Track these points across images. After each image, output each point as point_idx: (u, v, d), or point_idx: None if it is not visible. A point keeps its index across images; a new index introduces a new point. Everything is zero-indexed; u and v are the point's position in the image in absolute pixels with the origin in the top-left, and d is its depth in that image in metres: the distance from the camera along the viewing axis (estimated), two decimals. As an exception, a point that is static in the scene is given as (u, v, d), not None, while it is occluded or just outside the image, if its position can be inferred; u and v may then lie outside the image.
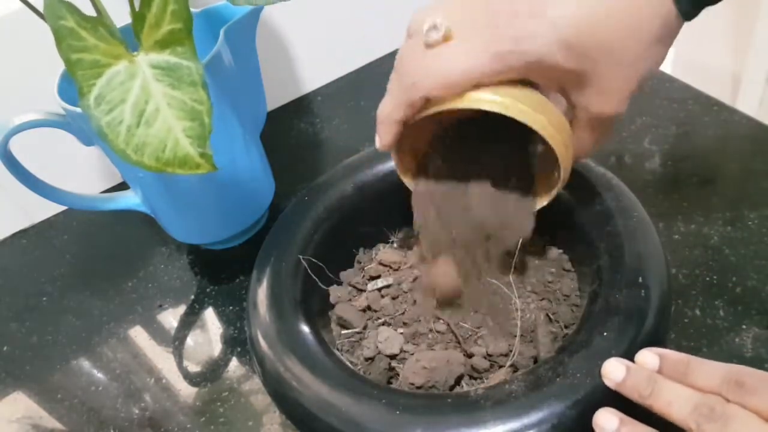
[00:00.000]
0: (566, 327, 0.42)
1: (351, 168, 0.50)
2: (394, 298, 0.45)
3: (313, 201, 0.49)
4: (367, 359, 0.43)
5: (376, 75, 0.76)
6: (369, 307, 0.45)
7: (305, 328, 0.41)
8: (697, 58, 1.25)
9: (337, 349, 0.44)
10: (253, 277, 0.45)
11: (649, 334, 0.36)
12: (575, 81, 0.33)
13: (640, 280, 0.38)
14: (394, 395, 0.37)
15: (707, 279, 0.47)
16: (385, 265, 0.48)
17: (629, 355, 0.35)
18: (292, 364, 0.39)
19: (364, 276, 0.48)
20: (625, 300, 0.37)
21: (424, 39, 0.34)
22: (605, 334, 0.36)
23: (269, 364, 0.40)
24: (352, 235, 0.50)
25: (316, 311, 0.45)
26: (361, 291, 0.47)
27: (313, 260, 0.46)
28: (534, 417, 0.33)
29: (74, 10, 0.35)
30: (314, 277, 0.45)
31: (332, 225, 0.48)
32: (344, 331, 0.45)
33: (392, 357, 0.42)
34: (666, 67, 0.67)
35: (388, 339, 0.43)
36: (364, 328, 0.45)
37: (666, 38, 0.33)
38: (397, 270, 0.47)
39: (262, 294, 0.43)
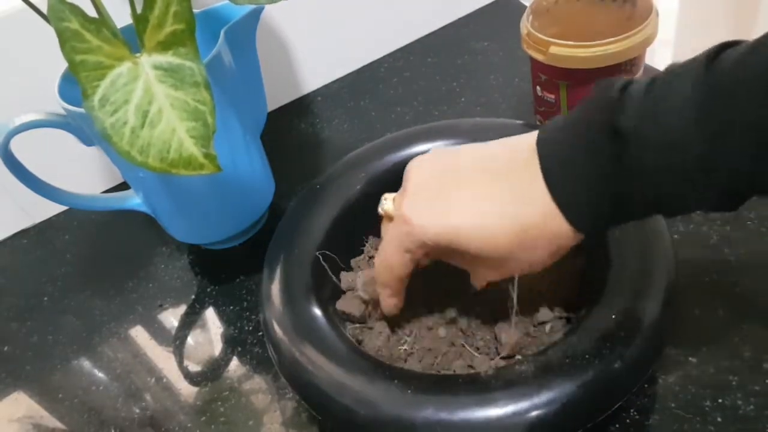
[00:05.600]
0: (572, 311, 0.42)
1: (361, 158, 0.51)
2: None
3: (324, 190, 0.49)
4: (378, 349, 0.43)
5: (376, 75, 0.76)
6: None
7: (318, 313, 0.42)
8: (696, 58, 1.25)
9: (349, 334, 0.44)
10: (265, 264, 0.46)
11: (656, 316, 0.37)
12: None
13: (647, 263, 0.39)
14: (406, 376, 0.38)
15: (707, 279, 0.47)
16: None
17: (638, 335, 0.36)
18: (307, 349, 0.39)
19: (370, 260, 0.49)
20: (633, 283, 0.38)
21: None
22: (613, 316, 0.37)
23: (284, 349, 0.40)
24: (363, 223, 0.50)
25: (328, 297, 0.45)
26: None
27: (327, 253, 0.46)
28: (544, 397, 0.34)
29: (78, 12, 0.35)
30: (324, 264, 0.46)
31: (343, 213, 0.49)
32: (351, 326, 0.45)
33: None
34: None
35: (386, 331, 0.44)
36: (369, 327, 0.45)
37: (558, 248, 0.35)
38: None
39: (275, 281, 0.44)
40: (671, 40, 1.27)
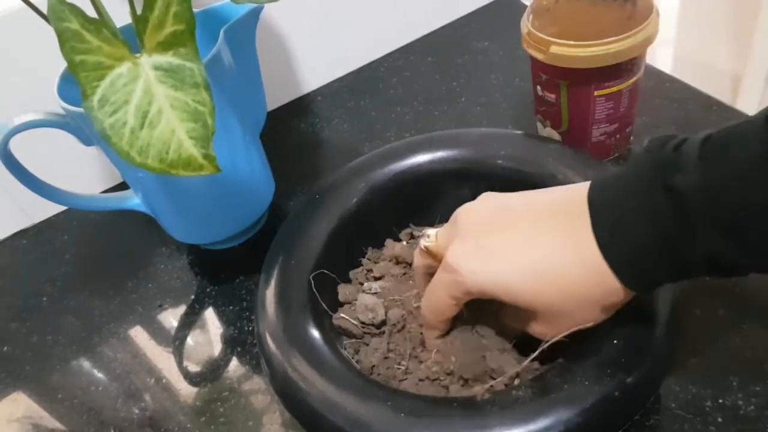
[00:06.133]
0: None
1: (360, 167, 0.50)
2: (389, 309, 0.45)
3: (324, 200, 0.49)
4: (373, 366, 0.43)
5: (376, 75, 0.76)
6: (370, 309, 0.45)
7: (313, 328, 0.41)
8: (697, 58, 1.25)
9: (344, 349, 0.44)
10: (261, 275, 0.45)
11: (659, 341, 0.36)
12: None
13: None
14: (400, 397, 0.37)
15: (707, 279, 0.47)
16: (399, 262, 0.48)
17: (639, 362, 0.35)
18: (299, 364, 0.39)
19: (368, 273, 0.48)
20: (635, 307, 0.37)
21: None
22: (615, 341, 0.36)
23: (277, 364, 0.40)
24: (362, 234, 0.50)
25: (325, 310, 0.45)
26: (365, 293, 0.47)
27: (324, 272, 0.45)
28: (540, 423, 0.33)
29: (78, 12, 0.35)
30: (315, 291, 0.45)
31: (342, 224, 0.48)
32: (347, 341, 0.45)
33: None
34: (666, 67, 0.67)
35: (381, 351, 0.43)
36: (366, 344, 0.45)
37: (610, 305, 0.35)
38: (404, 272, 0.47)
39: (270, 293, 0.43)
40: (672, 39, 1.28)
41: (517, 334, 0.40)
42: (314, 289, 0.44)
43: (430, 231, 0.41)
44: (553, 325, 0.36)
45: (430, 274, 0.41)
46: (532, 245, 0.35)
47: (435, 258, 0.40)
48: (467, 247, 0.37)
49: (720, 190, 0.29)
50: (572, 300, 0.34)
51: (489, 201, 0.39)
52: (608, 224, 0.33)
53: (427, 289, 0.40)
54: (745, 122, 0.30)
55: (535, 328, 0.37)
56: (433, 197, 0.51)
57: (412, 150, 0.51)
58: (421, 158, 0.50)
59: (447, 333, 0.42)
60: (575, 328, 0.36)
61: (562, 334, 0.36)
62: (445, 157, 0.50)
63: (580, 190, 0.35)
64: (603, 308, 0.35)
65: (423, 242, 0.41)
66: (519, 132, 0.51)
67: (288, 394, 0.39)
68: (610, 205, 0.33)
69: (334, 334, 0.44)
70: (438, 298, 0.39)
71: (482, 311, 0.41)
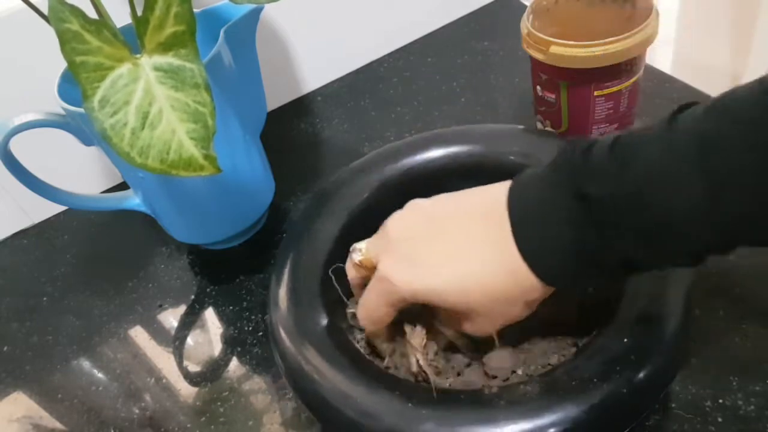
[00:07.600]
0: (582, 333, 0.41)
1: (370, 164, 0.51)
2: None
3: (333, 196, 0.49)
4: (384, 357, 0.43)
5: (376, 75, 0.76)
6: None
7: (325, 321, 0.42)
8: (697, 58, 1.25)
9: (357, 342, 0.44)
10: (274, 271, 0.45)
11: (670, 341, 0.36)
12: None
13: (663, 286, 0.38)
14: (408, 388, 0.37)
15: (707, 279, 0.47)
16: None
17: (648, 361, 0.35)
18: (312, 357, 0.39)
19: None
20: (647, 306, 0.37)
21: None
22: (625, 340, 0.36)
23: (290, 357, 0.40)
24: (372, 231, 0.50)
25: (337, 302, 0.45)
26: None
27: (340, 265, 0.45)
28: (547, 419, 0.33)
29: (79, 13, 0.35)
30: (337, 286, 0.45)
31: (352, 220, 0.48)
32: (359, 334, 0.45)
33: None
34: (666, 67, 0.67)
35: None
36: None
37: (533, 301, 0.37)
38: None
39: (282, 288, 0.44)
40: (672, 39, 1.27)
41: (448, 337, 0.42)
42: (330, 274, 0.44)
43: (360, 245, 0.42)
44: (483, 323, 0.38)
45: (366, 285, 0.42)
46: (459, 255, 0.37)
47: (368, 269, 0.41)
48: (399, 258, 0.38)
49: (628, 199, 0.31)
50: (499, 300, 0.36)
51: (416, 211, 0.40)
52: (527, 232, 0.35)
53: (362, 299, 0.41)
54: (648, 128, 0.31)
55: (467, 327, 0.39)
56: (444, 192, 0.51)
57: (423, 146, 0.51)
58: (433, 153, 0.50)
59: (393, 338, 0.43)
60: (504, 324, 0.38)
61: (494, 330, 0.39)
62: (458, 152, 0.50)
63: (501, 192, 0.36)
64: (526, 304, 0.37)
65: (355, 257, 0.41)
66: (517, 126, 0.51)
67: (301, 386, 0.39)
68: (528, 211, 0.35)
69: (346, 326, 0.44)
70: (375, 307, 0.40)
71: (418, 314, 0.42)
